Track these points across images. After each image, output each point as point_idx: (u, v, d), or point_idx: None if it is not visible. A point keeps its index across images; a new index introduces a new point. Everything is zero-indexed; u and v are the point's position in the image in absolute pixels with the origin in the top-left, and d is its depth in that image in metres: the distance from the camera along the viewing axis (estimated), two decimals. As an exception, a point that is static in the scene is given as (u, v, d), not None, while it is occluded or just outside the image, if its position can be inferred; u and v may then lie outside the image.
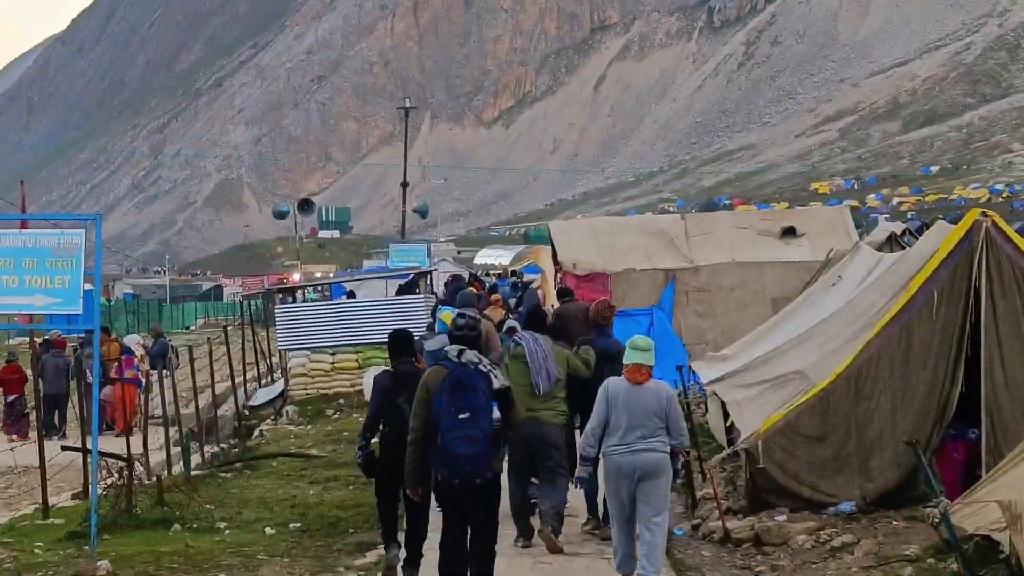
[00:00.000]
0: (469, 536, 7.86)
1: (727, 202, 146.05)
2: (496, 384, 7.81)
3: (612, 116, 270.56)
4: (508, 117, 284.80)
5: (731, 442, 11.39)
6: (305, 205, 44.87)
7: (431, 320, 16.59)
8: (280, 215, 43.76)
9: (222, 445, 18.13)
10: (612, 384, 8.58)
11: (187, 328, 62.92)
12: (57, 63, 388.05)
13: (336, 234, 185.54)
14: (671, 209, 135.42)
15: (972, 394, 9.59)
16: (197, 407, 18.79)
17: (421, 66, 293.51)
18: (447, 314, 12.27)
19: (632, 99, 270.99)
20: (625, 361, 8.57)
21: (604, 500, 9.51)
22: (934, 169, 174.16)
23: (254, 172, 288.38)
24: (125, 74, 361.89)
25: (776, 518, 9.70)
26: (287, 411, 20.58)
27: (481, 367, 7.81)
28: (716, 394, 11.70)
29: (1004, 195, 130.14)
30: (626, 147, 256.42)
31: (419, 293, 23.89)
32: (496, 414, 7.80)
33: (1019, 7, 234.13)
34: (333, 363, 21.80)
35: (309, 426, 19.01)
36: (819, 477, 9.78)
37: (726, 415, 11.74)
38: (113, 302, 62.30)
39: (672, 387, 8.99)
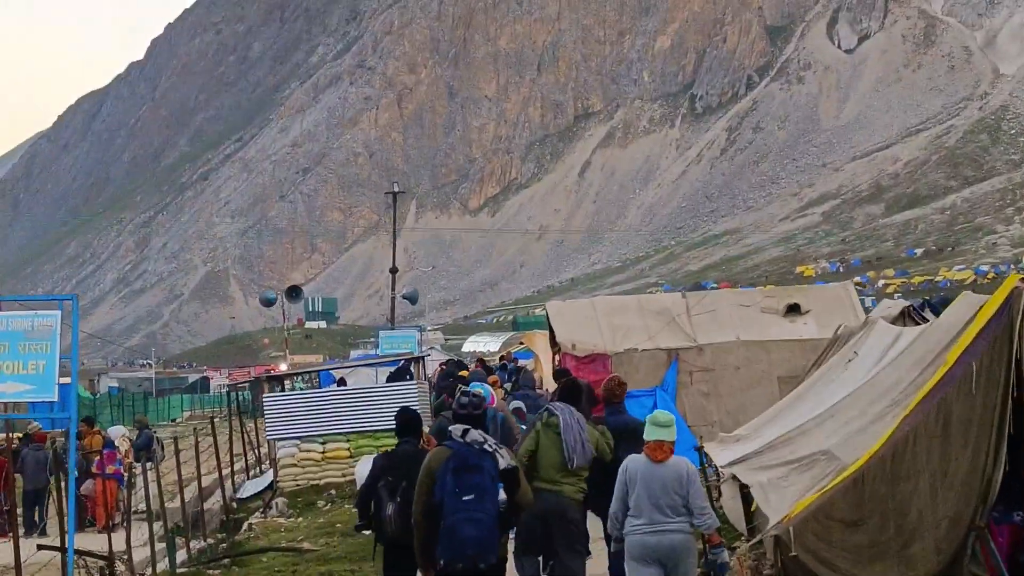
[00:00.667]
0: None
1: (714, 286, 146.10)
2: (502, 464, 7.35)
3: (597, 202, 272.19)
4: (494, 205, 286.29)
5: (752, 529, 10.73)
6: (294, 292, 44.46)
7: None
8: (268, 302, 43.33)
9: (209, 540, 17.42)
10: (632, 463, 8.32)
11: (173, 420, 62.00)
12: (42, 160, 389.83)
13: (323, 324, 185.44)
14: (658, 294, 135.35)
15: (1015, 474, 8.95)
16: (183, 500, 18.05)
17: (406, 156, 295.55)
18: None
19: (617, 185, 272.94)
20: (646, 438, 8.30)
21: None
22: (919, 251, 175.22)
23: (240, 264, 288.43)
24: (110, 170, 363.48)
25: (810, 611, 9.02)
26: (276, 503, 19.84)
27: (487, 447, 7.36)
28: (735, 477, 11.03)
29: (990, 276, 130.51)
30: (612, 233, 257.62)
31: (411, 379, 23.30)
32: (502, 495, 7.35)
33: (999, 91, 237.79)
34: (324, 452, 21.13)
35: (300, 518, 18.27)
36: (856, 565, 9.05)
37: (744, 500, 11.08)
38: (98, 395, 61.47)
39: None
